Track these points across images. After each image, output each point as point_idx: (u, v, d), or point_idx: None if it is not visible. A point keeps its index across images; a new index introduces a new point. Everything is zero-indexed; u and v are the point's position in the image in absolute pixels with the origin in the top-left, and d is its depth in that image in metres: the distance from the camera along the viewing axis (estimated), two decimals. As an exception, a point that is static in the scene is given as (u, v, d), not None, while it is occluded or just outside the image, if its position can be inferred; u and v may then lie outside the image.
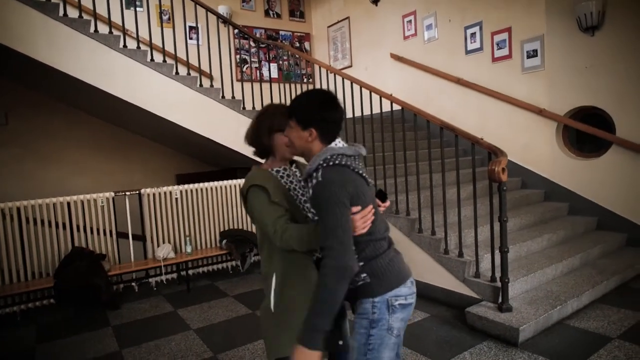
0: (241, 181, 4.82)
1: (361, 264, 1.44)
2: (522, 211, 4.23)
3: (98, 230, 4.13)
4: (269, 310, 1.59)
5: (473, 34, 5.27)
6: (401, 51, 6.20)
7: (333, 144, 1.46)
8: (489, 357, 2.55)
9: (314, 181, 1.38)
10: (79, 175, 5.88)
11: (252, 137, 1.68)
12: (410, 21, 6.05)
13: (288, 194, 1.62)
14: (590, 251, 3.74)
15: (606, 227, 4.26)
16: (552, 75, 4.55)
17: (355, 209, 1.40)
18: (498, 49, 5.02)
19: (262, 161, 1.74)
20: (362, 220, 1.41)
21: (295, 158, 1.76)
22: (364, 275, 1.44)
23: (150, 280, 4.31)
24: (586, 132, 4.31)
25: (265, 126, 1.63)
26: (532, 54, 4.69)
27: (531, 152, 4.81)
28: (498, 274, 2.94)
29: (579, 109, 4.42)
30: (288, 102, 5.18)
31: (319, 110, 1.44)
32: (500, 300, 2.89)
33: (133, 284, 4.26)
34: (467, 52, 5.35)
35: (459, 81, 5.38)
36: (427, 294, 3.56)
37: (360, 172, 1.44)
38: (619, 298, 3.25)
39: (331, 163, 1.39)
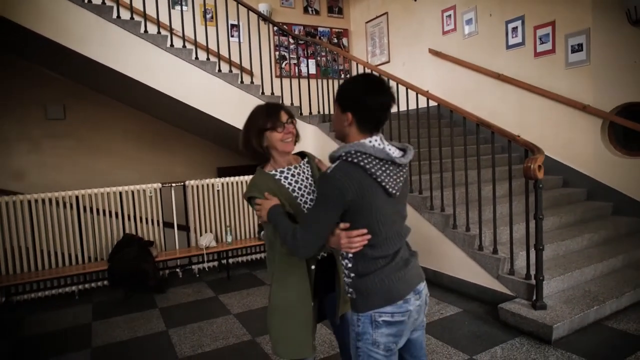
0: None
1: (352, 275, 1.43)
2: (563, 210, 4.14)
3: (146, 219, 4.41)
4: (269, 306, 1.70)
5: (515, 29, 5.16)
6: (440, 46, 6.15)
7: (367, 140, 1.38)
8: (521, 353, 2.57)
9: (328, 170, 1.37)
10: (126, 167, 6.25)
11: (245, 143, 1.66)
12: (449, 16, 5.99)
13: (291, 197, 1.62)
14: (634, 252, 3.63)
15: (653, 228, 4.11)
16: (598, 71, 4.40)
17: (343, 225, 1.39)
18: (541, 44, 4.89)
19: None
20: (348, 240, 1.38)
21: (307, 151, 1.79)
22: (350, 290, 1.44)
23: (193, 267, 4.57)
24: (634, 129, 4.15)
25: (254, 130, 1.63)
26: (577, 49, 4.55)
27: (574, 150, 4.68)
28: (533, 272, 2.93)
29: (627, 105, 4.26)
30: (326, 98, 5.29)
31: (359, 93, 1.37)
32: (534, 297, 2.89)
33: (177, 270, 4.53)
34: (508, 47, 5.24)
35: (499, 77, 5.28)
36: (459, 290, 3.59)
37: (379, 179, 1.34)
38: (662, 301, 3.16)
39: (349, 159, 1.34)
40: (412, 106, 4.10)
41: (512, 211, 3.18)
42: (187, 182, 4.57)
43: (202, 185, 4.63)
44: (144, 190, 4.38)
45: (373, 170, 1.33)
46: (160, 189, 4.47)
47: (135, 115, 6.34)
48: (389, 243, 1.41)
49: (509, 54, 5.25)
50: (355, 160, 1.33)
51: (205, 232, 4.61)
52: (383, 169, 1.36)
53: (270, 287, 1.71)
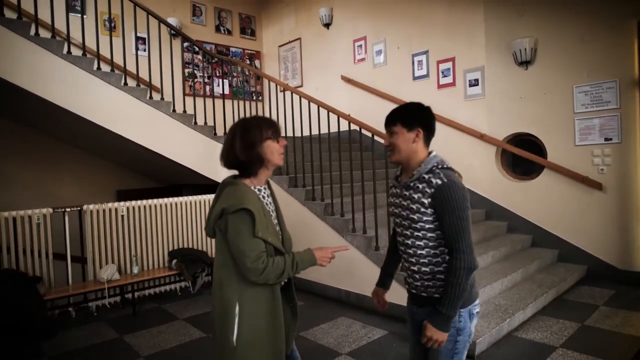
0: (192, 198, 4.64)
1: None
2: (467, 229, 4.47)
3: (32, 250, 3.74)
4: (230, 343, 1.45)
5: (420, 62, 5.59)
6: (351, 74, 6.41)
7: (436, 153, 1.60)
8: (449, 371, 2.64)
9: (438, 182, 1.48)
10: (2, 190, 5.34)
11: (242, 151, 1.51)
12: (360, 46, 6.30)
13: (270, 218, 1.54)
14: (529, 266, 4.03)
15: (540, 244, 4.64)
16: (492, 104, 4.94)
17: (344, 248, 1.67)
18: (443, 77, 5.36)
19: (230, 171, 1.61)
20: (332, 256, 1.60)
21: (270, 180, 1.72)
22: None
23: (89, 304, 3.98)
24: (521, 156, 4.70)
25: (257, 137, 1.52)
26: (474, 83, 5.07)
27: (473, 174, 5.13)
28: (453, 290, 3.07)
29: (516, 134, 4.83)
30: (236, 118, 5.06)
31: (423, 113, 1.61)
32: (456, 314, 3.02)
33: (70, 309, 3.90)
34: (415, 78, 5.65)
35: (407, 105, 5.64)
36: (383, 311, 3.62)
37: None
38: (556, 309, 3.53)
39: (445, 166, 1.54)
40: (324, 130, 4.23)
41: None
42: (85, 207, 4.01)
43: (103, 210, 4.10)
44: (30, 217, 3.73)
45: (457, 174, 1.58)
46: (50, 215, 3.85)
47: (17, 129, 5.48)
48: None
49: (415, 84, 5.65)
50: (450, 167, 1.55)
51: (107, 263, 4.07)
52: None
53: (226, 318, 1.47)
